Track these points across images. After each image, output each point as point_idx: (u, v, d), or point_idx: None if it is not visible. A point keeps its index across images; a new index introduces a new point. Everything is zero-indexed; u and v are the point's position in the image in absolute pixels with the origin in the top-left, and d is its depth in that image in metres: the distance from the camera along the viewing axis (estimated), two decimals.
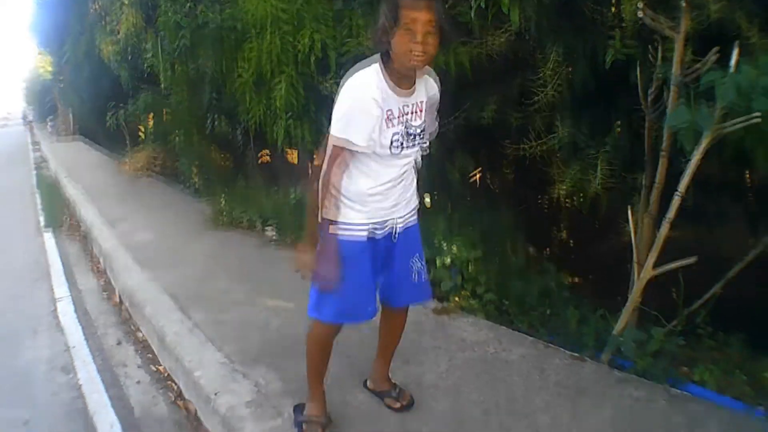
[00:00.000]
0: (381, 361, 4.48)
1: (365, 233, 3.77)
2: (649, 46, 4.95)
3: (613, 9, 5.32)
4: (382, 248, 3.90)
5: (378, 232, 3.82)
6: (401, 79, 3.56)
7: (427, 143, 4.07)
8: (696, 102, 4.22)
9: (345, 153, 3.55)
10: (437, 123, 4.08)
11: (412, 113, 3.68)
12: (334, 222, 3.71)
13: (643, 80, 5.03)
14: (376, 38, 3.53)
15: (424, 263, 4.16)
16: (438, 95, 3.93)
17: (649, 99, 4.99)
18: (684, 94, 4.47)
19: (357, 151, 3.57)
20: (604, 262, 8.63)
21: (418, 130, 3.74)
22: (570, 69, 5.72)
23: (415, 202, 4.06)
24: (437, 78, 3.91)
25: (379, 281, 4.03)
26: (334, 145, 3.55)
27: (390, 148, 3.60)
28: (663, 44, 4.76)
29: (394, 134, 3.59)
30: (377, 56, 3.59)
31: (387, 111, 3.53)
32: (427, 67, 3.71)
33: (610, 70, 5.49)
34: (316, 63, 7.29)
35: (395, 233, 3.90)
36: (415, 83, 3.67)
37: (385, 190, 3.75)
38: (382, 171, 3.70)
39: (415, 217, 4.07)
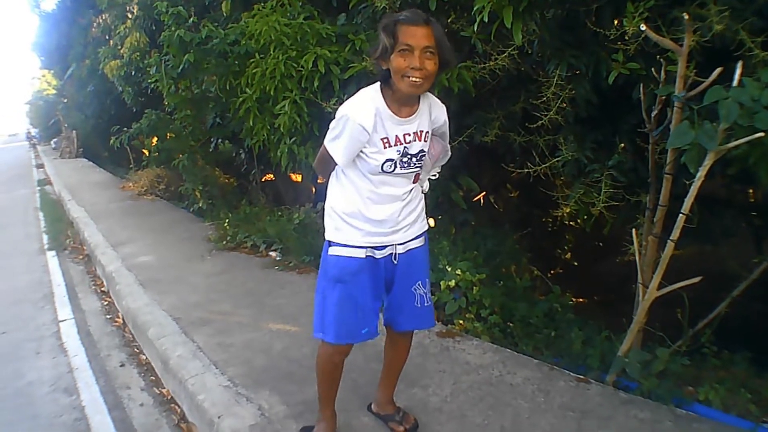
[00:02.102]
0: (385, 384, 4.44)
1: (362, 252, 3.76)
2: (653, 68, 4.93)
3: (615, 22, 5.30)
4: (382, 269, 3.87)
5: (377, 252, 3.81)
6: (402, 105, 3.58)
7: (438, 171, 4.16)
8: (700, 120, 4.19)
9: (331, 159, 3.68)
10: (449, 149, 4.04)
11: (412, 141, 3.65)
12: (332, 243, 3.81)
13: (646, 99, 5.01)
14: (375, 59, 3.54)
15: (428, 290, 4.10)
16: (445, 123, 3.90)
17: (653, 118, 4.97)
18: (687, 113, 4.45)
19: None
20: (609, 282, 8.62)
21: (416, 154, 3.72)
22: (573, 87, 5.70)
23: (420, 227, 4.01)
24: (443, 106, 3.87)
25: (384, 303, 4.03)
26: (325, 146, 3.68)
27: (381, 167, 3.60)
28: (666, 62, 4.75)
29: (387, 159, 3.60)
30: (374, 84, 3.63)
31: (383, 138, 3.55)
32: (430, 95, 3.76)
33: (613, 89, 5.48)
34: (319, 85, 7.28)
35: (395, 256, 3.88)
36: (417, 110, 3.65)
37: (382, 209, 3.74)
38: (376, 189, 3.71)
39: (421, 241, 4.03)
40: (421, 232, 4.02)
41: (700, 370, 5.22)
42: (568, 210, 6.04)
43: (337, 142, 3.57)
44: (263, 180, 14.07)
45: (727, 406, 4.70)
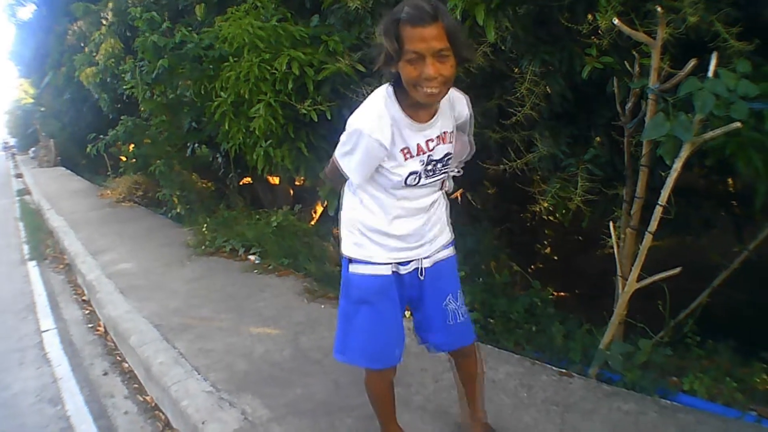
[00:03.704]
0: (468, 407, 4.13)
1: (388, 269, 3.46)
2: (626, 62, 4.94)
3: (589, 17, 5.30)
4: (407, 286, 3.57)
5: (402, 268, 3.51)
6: (419, 109, 3.16)
7: (458, 168, 3.72)
8: (675, 112, 4.20)
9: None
10: (473, 142, 3.68)
11: (436, 146, 3.27)
12: (353, 260, 3.52)
13: (620, 92, 5.02)
14: (379, 65, 3.07)
15: (461, 303, 3.73)
16: (468, 116, 3.49)
17: (627, 111, 4.98)
18: (662, 105, 4.46)
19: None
20: (590, 276, 8.62)
21: (442, 159, 3.34)
22: (547, 83, 5.70)
23: (446, 237, 3.69)
24: (464, 97, 3.46)
25: (415, 318, 3.81)
26: (336, 159, 3.34)
27: (405, 181, 3.24)
28: (640, 55, 4.75)
29: (410, 173, 3.23)
30: (384, 86, 3.22)
31: (403, 149, 3.18)
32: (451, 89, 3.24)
33: (588, 84, 5.49)
34: (294, 87, 7.25)
35: (421, 271, 3.55)
36: (438, 111, 3.24)
37: (407, 223, 3.42)
38: (399, 203, 3.37)
39: (449, 251, 3.70)
40: (447, 242, 3.70)
41: (684, 360, 5.24)
42: (545, 205, 6.04)
43: (350, 158, 3.21)
44: (241, 183, 14.05)
45: (713, 395, 4.73)
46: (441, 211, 3.63)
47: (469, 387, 4.02)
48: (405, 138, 3.17)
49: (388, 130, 3.10)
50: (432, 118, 3.21)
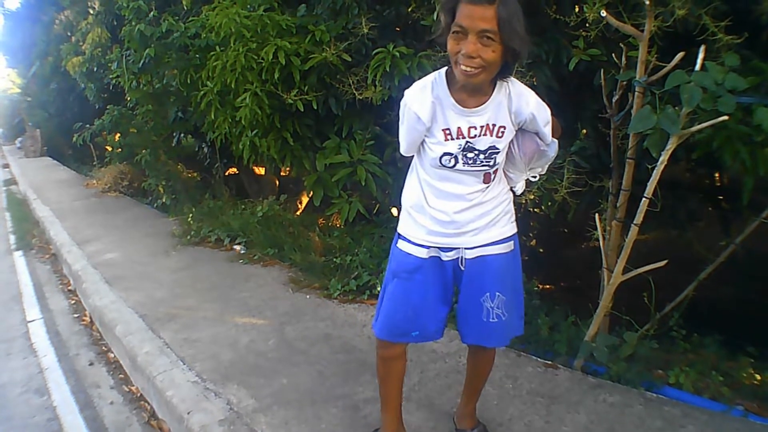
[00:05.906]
0: (463, 398, 4.20)
1: (425, 252, 3.46)
2: (614, 54, 4.94)
3: (576, 9, 5.30)
4: (450, 273, 3.54)
5: (444, 254, 3.48)
6: (469, 94, 3.14)
7: (540, 172, 3.75)
8: (661, 105, 4.19)
9: None
10: (550, 147, 3.53)
11: (479, 135, 3.19)
12: (399, 235, 3.60)
13: (607, 84, 5.01)
14: (435, 36, 3.12)
15: (499, 303, 3.55)
16: (536, 117, 3.26)
17: (614, 103, 4.97)
18: (649, 98, 4.45)
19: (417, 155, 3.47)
20: (575, 268, 8.61)
21: (485, 151, 3.22)
22: (534, 74, 5.69)
23: (499, 233, 3.51)
24: (530, 96, 3.26)
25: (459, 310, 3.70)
26: None
27: (439, 160, 3.22)
28: (627, 48, 4.75)
29: (445, 153, 3.20)
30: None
31: (444, 130, 3.16)
32: (516, 82, 3.26)
33: (575, 76, 5.50)
34: (280, 77, 7.22)
35: (462, 261, 3.47)
36: (488, 100, 3.16)
37: (444, 206, 3.37)
38: (438, 184, 3.36)
39: (500, 248, 3.52)
40: (499, 238, 3.52)
41: (670, 353, 5.25)
42: (531, 197, 6.02)
43: (401, 127, 3.31)
44: (227, 174, 14.01)
45: (699, 389, 4.74)
46: (492, 206, 3.47)
47: (473, 379, 4.05)
48: (447, 119, 3.17)
49: (428, 105, 3.15)
50: (480, 105, 3.15)
